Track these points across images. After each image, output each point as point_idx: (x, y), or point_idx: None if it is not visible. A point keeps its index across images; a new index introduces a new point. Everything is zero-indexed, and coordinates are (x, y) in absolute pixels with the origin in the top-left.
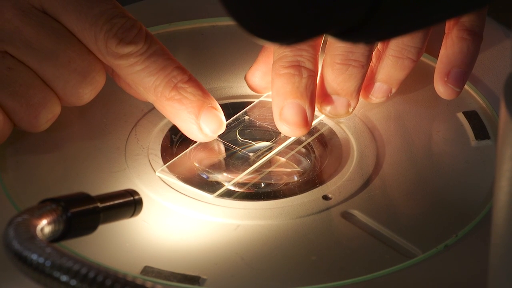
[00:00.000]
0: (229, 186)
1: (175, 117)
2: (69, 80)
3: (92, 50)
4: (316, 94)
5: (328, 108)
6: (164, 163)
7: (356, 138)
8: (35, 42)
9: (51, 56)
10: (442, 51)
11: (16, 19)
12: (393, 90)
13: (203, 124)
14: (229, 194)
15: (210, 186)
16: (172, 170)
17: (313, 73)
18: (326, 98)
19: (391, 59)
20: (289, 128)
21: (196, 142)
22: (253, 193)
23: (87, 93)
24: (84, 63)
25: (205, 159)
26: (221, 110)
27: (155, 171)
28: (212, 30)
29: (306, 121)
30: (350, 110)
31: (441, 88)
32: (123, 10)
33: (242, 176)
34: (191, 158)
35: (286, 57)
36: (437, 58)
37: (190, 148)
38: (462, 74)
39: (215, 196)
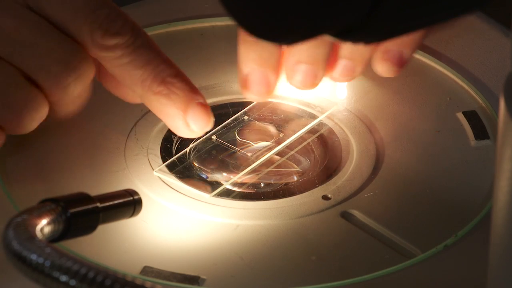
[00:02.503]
0: (227, 185)
1: (161, 112)
2: (51, 70)
3: (76, 42)
4: (281, 62)
5: (294, 77)
6: (164, 163)
7: (355, 138)
8: (15, 33)
9: (31, 47)
10: None
11: None
12: (358, 70)
13: (190, 121)
14: (228, 194)
15: (208, 186)
16: (170, 169)
17: None
18: (293, 66)
19: None
20: (253, 95)
21: (195, 142)
22: (253, 193)
23: (72, 83)
24: (65, 52)
25: (204, 159)
26: (208, 106)
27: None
28: (212, 30)
29: (269, 87)
30: (317, 81)
31: (379, 66)
32: (107, 1)
33: (240, 176)
34: (190, 158)
35: None
36: (435, 57)
37: (189, 147)
38: (399, 53)
39: (213, 196)
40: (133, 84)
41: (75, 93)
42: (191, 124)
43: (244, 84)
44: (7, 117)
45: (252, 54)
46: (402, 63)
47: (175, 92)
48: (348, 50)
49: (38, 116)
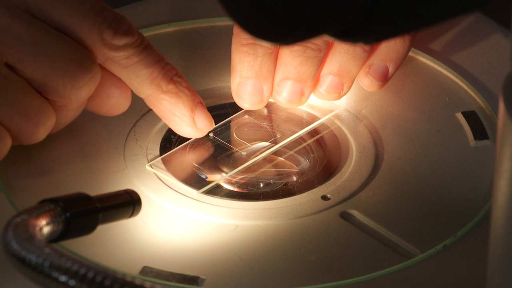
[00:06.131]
0: (220, 181)
1: (169, 112)
2: (67, 70)
3: (84, 45)
4: (272, 74)
5: (282, 94)
6: (163, 163)
7: (355, 138)
8: (26, 37)
9: (44, 49)
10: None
11: (4, 16)
12: (345, 88)
13: (198, 119)
14: (227, 194)
15: (200, 183)
16: (166, 165)
17: (269, 51)
18: (281, 82)
19: (344, 47)
20: (245, 104)
21: (190, 139)
22: (251, 192)
23: (86, 84)
24: (78, 54)
25: (200, 157)
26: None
27: (153, 170)
28: (211, 30)
29: (262, 97)
30: (303, 99)
31: (364, 80)
32: (107, 5)
33: (232, 174)
34: (185, 155)
35: (244, 33)
36: (433, 56)
37: (185, 144)
38: (384, 68)
39: (201, 193)
40: (142, 84)
41: (87, 96)
42: (198, 123)
43: (237, 93)
44: (23, 126)
45: (245, 63)
46: (385, 77)
47: (183, 91)
48: (336, 65)
49: (50, 124)
